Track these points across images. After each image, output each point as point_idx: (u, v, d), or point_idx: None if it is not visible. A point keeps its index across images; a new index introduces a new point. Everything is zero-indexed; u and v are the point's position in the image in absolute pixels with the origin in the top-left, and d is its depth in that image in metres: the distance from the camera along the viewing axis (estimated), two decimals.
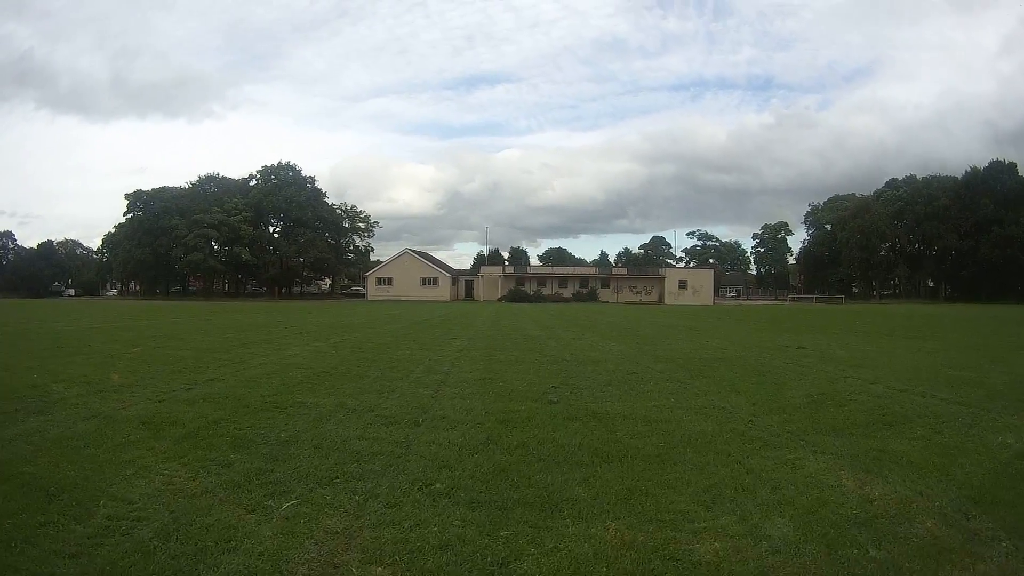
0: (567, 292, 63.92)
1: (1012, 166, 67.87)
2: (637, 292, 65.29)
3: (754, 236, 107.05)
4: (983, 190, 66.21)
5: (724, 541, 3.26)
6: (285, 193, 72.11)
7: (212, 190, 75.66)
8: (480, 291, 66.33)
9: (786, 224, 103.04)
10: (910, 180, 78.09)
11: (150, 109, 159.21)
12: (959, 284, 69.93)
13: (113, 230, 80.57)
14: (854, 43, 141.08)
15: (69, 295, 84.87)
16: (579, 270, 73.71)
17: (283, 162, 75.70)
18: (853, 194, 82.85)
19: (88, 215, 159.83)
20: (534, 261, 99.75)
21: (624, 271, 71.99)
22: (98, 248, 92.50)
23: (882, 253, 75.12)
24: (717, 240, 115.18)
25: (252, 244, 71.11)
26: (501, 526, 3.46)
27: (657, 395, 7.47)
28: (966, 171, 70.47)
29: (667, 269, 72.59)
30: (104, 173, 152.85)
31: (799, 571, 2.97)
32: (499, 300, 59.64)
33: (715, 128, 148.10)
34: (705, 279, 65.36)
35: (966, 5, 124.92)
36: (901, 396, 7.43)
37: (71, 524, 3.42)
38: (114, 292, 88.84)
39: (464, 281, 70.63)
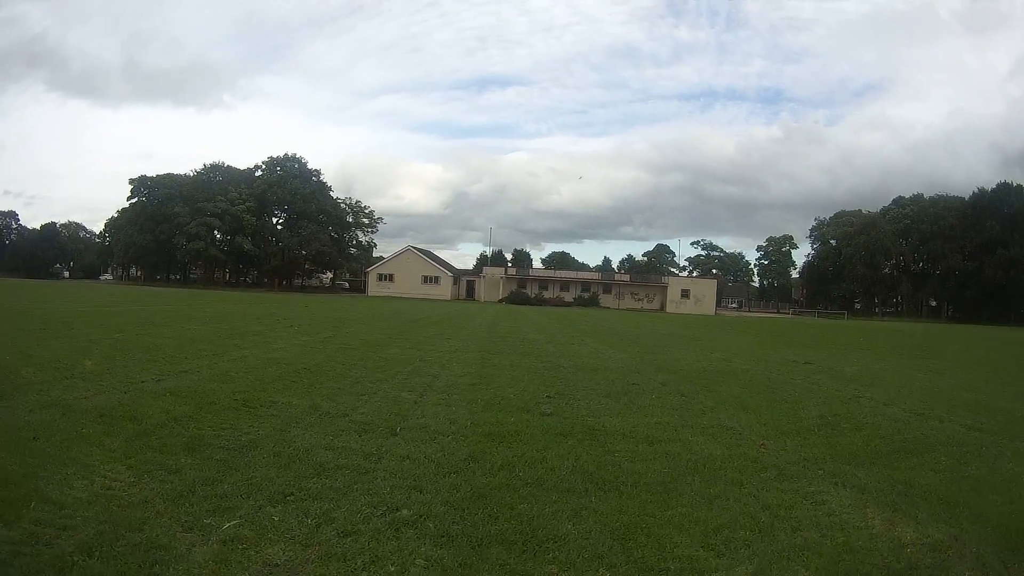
0: (569, 296, 63.62)
1: (1020, 188, 67.32)
2: (639, 299, 65.09)
3: (759, 248, 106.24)
4: (990, 211, 65.88)
5: None
6: (290, 185, 71.68)
7: (217, 179, 75.24)
8: (481, 291, 65.99)
9: (791, 237, 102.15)
10: (917, 199, 77.67)
11: (160, 96, 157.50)
12: (961, 304, 69.48)
13: (116, 215, 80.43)
14: (865, 60, 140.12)
15: (64, 278, 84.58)
16: (582, 275, 73.22)
17: (289, 154, 75.27)
18: (860, 210, 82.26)
19: (93, 199, 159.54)
20: (537, 264, 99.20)
21: (627, 278, 71.58)
22: (100, 232, 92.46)
23: (886, 270, 74.62)
24: (721, 251, 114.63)
25: (255, 234, 70.82)
26: (472, 570, 2.93)
27: (660, 410, 6.93)
28: (974, 192, 70.29)
29: (670, 277, 72.29)
30: (111, 158, 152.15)
31: None
32: (500, 301, 59.28)
33: (723, 139, 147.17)
34: (708, 289, 64.98)
35: (979, 27, 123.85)
36: (919, 421, 7.12)
37: None
38: (108, 276, 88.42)
39: (466, 281, 70.15)
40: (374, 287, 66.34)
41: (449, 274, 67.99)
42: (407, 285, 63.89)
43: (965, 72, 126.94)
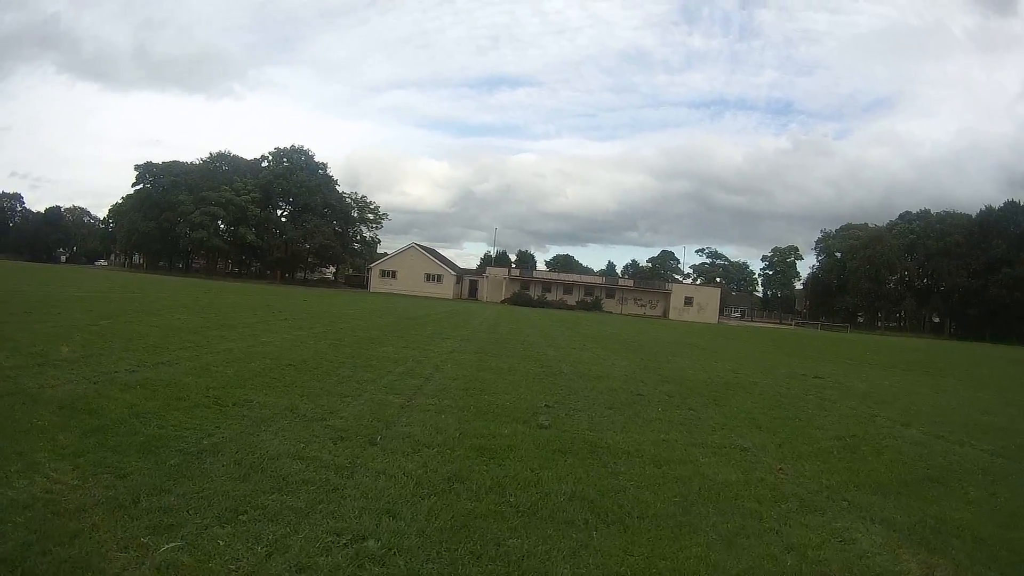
0: (571, 299, 63.25)
1: None
2: (642, 305, 64.67)
3: (763, 258, 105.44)
4: (996, 230, 65.60)
5: None
6: (296, 177, 71.27)
7: (223, 168, 74.88)
8: (484, 291, 65.56)
9: (796, 249, 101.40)
10: (924, 214, 77.23)
11: (170, 83, 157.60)
12: (965, 321, 69.01)
13: (120, 200, 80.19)
14: (876, 75, 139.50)
15: (61, 262, 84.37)
16: (585, 278, 72.82)
17: (296, 146, 74.93)
18: (866, 224, 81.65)
19: (99, 184, 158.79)
20: (541, 266, 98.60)
21: (630, 283, 71.19)
22: (104, 218, 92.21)
23: (890, 285, 74.05)
24: (726, 259, 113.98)
25: (258, 226, 70.47)
26: None
27: (667, 426, 6.41)
28: (981, 210, 69.97)
29: (673, 284, 71.76)
30: (119, 143, 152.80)
31: None
32: (502, 302, 58.88)
33: (732, 148, 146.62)
34: (711, 297, 64.46)
35: (990, 46, 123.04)
36: (939, 444, 6.79)
37: None
38: (103, 263, 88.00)
39: (468, 280, 69.70)
40: (376, 283, 65.97)
41: (452, 273, 67.55)
42: (410, 282, 63.46)
43: (975, 91, 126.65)
